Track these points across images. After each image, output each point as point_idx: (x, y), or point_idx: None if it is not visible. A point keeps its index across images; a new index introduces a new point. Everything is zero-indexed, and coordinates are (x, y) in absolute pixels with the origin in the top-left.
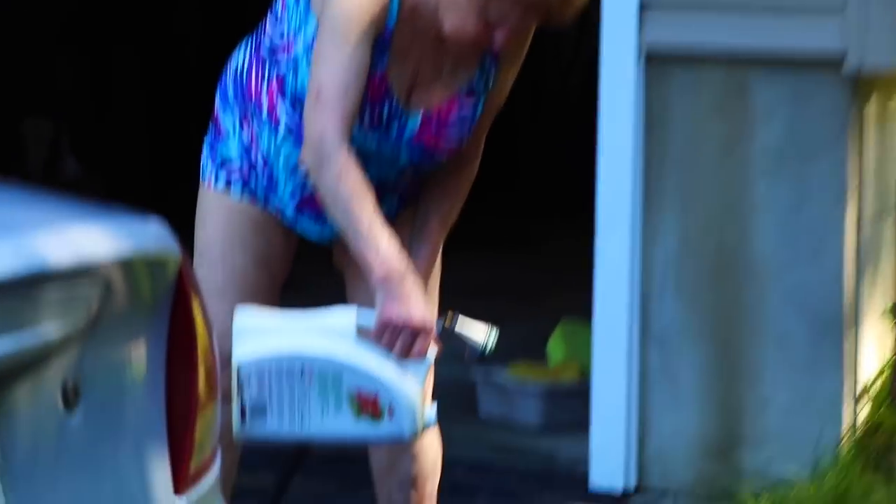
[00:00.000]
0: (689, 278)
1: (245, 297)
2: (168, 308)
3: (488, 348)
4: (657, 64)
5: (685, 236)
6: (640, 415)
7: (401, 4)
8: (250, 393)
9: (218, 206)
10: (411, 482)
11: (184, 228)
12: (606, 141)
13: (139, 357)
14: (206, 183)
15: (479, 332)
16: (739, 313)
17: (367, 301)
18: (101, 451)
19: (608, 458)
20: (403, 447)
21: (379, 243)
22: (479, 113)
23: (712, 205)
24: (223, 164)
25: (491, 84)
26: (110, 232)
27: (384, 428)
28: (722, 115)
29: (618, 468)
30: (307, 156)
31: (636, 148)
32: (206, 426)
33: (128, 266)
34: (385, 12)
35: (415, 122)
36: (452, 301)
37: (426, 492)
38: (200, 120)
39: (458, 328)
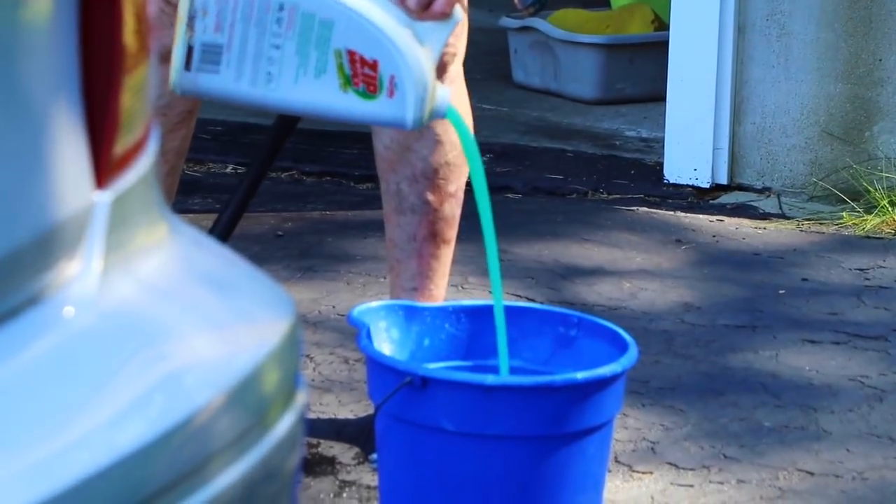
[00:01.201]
0: None
1: None
2: None
3: None
4: None
5: None
6: (734, 81)
7: None
8: (205, 26)
9: None
10: (429, 175)
11: None
12: None
13: None
14: None
15: None
16: None
17: None
18: None
19: (690, 139)
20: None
21: None
22: None
23: None
24: None
25: None
26: None
27: (379, 108)
28: None
29: (703, 154)
30: None
31: None
32: (137, 94)
33: None
34: None
35: None
36: None
37: (448, 190)
38: None
39: None
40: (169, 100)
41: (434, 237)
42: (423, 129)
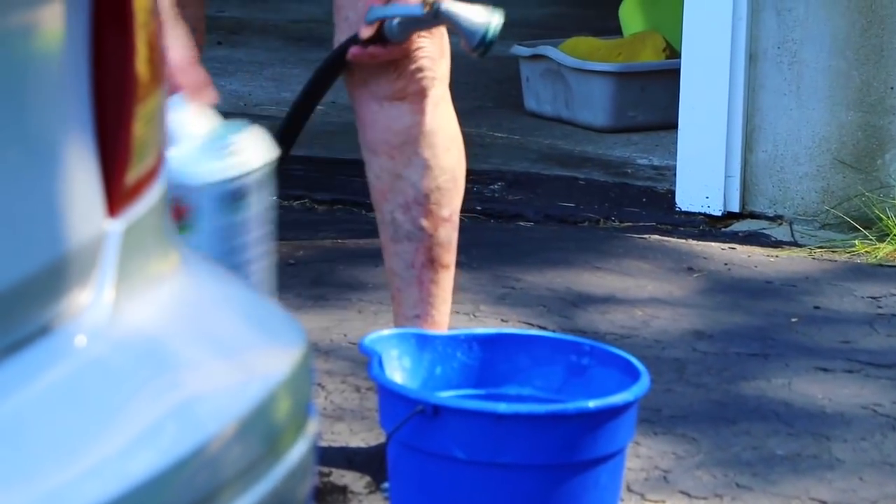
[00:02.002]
0: None
1: None
2: None
3: (489, 34)
4: None
5: None
6: (746, 109)
7: None
8: None
9: None
10: (421, 201)
11: None
12: None
13: (52, 24)
14: None
15: (476, 15)
16: None
17: None
18: None
19: (702, 167)
20: (407, 157)
21: None
22: None
23: None
24: None
25: None
26: None
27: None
28: None
29: (715, 182)
30: None
31: None
32: (149, 122)
33: None
34: None
35: None
36: None
37: (441, 215)
38: None
39: (444, 9)
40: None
41: (432, 263)
42: (412, 156)
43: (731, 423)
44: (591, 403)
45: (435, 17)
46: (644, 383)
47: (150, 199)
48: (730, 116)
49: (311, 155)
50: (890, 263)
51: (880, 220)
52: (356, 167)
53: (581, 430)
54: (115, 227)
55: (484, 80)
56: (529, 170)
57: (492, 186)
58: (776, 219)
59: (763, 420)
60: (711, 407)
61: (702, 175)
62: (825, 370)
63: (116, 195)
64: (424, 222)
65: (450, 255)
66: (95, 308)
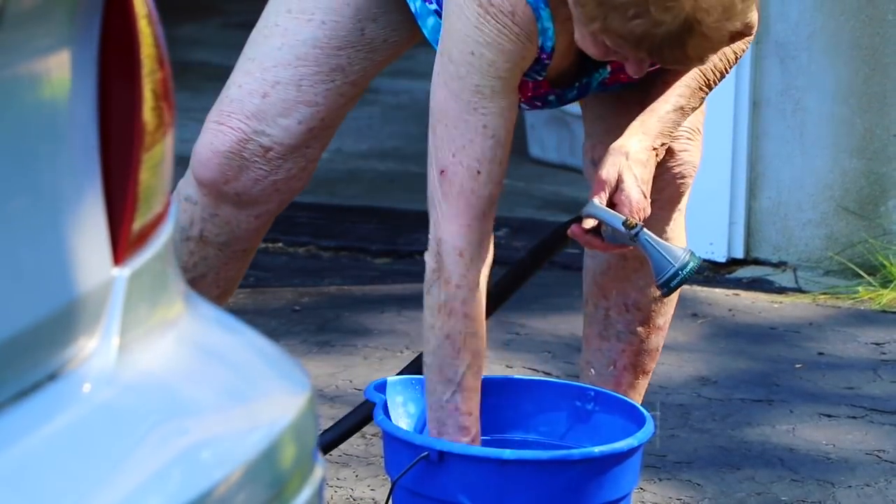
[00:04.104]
0: None
1: (301, 75)
2: (99, 4)
3: (680, 275)
4: None
5: None
6: (749, 156)
7: (553, 19)
8: None
9: None
10: (641, 307)
11: None
12: None
13: (60, 73)
14: None
15: (673, 252)
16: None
17: (608, 134)
18: (6, 206)
19: (706, 214)
20: (631, 261)
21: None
22: None
23: None
24: None
25: None
26: None
27: None
28: None
29: (719, 229)
30: (428, 255)
31: None
32: (155, 170)
33: None
34: (533, 45)
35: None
36: None
37: (657, 323)
38: None
39: (642, 235)
40: (228, 238)
41: (634, 368)
42: (645, 261)
43: (735, 469)
44: (597, 449)
45: (633, 238)
46: (648, 429)
47: (157, 245)
48: (734, 163)
49: (316, 202)
50: (893, 310)
51: (884, 266)
52: (361, 214)
53: (586, 476)
54: (122, 274)
55: None
56: (534, 216)
57: (496, 233)
58: (780, 265)
59: (767, 466)
60: (716, 453)
61: (706, 222)
62: (829, 416)
63: (123, 243)
64: (639, 328)
65: (653, 363)
66: (102, 354)
